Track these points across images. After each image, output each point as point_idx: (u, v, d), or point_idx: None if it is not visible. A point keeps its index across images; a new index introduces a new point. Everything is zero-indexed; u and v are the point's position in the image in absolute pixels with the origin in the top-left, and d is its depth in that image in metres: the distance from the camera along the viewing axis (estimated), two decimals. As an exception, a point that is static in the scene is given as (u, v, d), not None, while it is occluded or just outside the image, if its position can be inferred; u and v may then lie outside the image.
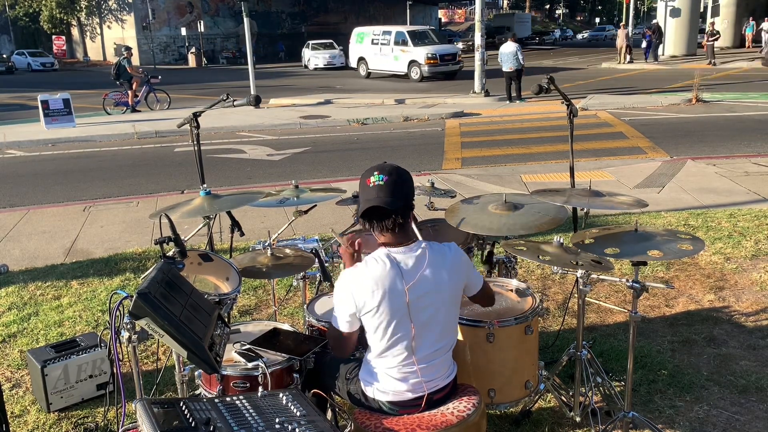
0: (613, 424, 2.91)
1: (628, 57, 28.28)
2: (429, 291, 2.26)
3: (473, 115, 14.89)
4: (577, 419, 3.09)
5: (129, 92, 16.66)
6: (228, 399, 2.09)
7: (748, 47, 34.02)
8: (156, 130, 13.45)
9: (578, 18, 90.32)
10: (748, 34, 34.73)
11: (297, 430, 1.89)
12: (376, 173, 2.26)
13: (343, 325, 2.32)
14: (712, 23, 27.29)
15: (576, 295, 2.99)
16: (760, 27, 33.52)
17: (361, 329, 2.34)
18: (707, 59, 25.47)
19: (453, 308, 2.38)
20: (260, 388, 2.41)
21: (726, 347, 3.82)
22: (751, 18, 35.35)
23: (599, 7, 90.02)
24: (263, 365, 2.46)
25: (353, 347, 2.41)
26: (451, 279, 2.33)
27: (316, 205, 3.69)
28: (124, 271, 5.40)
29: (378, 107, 16.56)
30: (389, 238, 2.28)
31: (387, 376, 2.30)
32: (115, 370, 2.35)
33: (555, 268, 2.97)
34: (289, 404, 2.09)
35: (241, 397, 2.11)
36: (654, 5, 47.27)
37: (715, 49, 25.85)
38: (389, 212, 2.23)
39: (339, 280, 2.33)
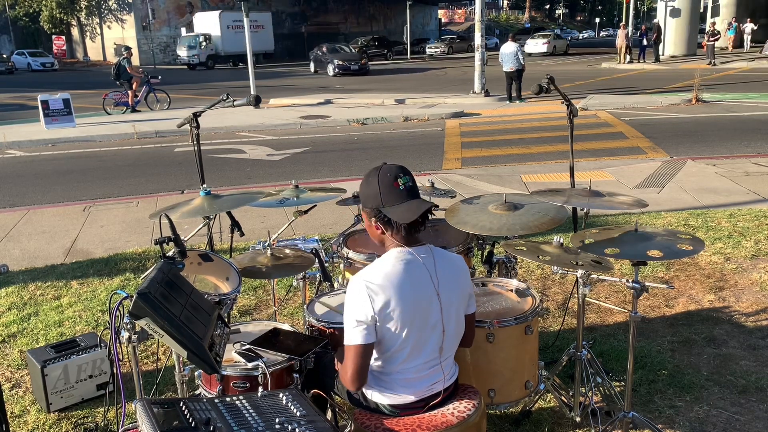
0: (613, 424, 2.91)
1: (628, 57, 28.32)
2: (447, 294, 2.24)
3: (473, 115, 14.89)
4: (577, 419, 3.09)
5: (129, 92, 16.67)
6: (228, 399, 2.09)
7: (730, 50, 33.37)
8: (156, 130, 13.45)
9: (578, 18, 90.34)
10: (730, 36, 33.85)
11: (297, 430, 1.89)
12: (401, 175, 2.19)
13: (359, 337, 2.14)
14: (713, 23, 27.30)
15: (576, 295, 2.99)
16: (743, 28, 33.13)
17: None
18: (707, 59, 25.48)
19: (462, 316, 2.36)
20: (260, 388, 2.41)
21: (726, 347, 3.82)
22: (733, 19, 34.87)
23: (599, 7, 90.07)
24: (263, 365, 2.46)
25: (367, 371, 2.20)
26: (463, 285, 2.32)
27: (316, 205, 3.69)
28: (124, 271, 5.40)
29: (378, 107, 16.56)
30: (404, 240, 2.22)
31: (392, 381, 2.28)
32: (115, 370, 2.35)
33: (555, 268, 2.96)
34: (289, 404, 2.09)
35: (241, 397, 2.10)
36: (654, 5, 47.25)
37: (715, 49, 25.87)
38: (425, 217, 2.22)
39: (352, 284, 2.17)
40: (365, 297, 2.13)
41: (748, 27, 32.84)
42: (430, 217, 2.24)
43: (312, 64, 32.18)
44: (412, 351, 2.23)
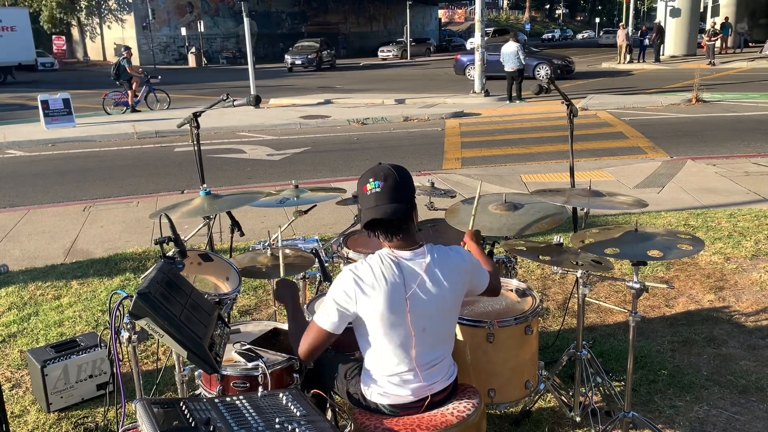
0: (613, 424, 2.91)
1: (628, 57, 28.31)
2: (430, 299, 2.22)
3: (473, 115, 14.89)
4: (577, 419, 3.09)
5: (129, 92, 16.67)
6: (228, 399, 2.09)
7: (724, 51, 32.83)
8: (156, 130, 13.45)
9: (578, 18, 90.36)
10: (723, 36, 33.10)
11: (297, 430, 1.89)
12: (371, 180, 2.19)
13: (328, 323, 2.20)
14: (713, 23, 27.27)
15: (576, 295, 2.99)
16: (735, 29, 32.51)
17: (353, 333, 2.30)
18: (708, 59, 25.48)
19: (453, 315, 2.36)
20: (260, 388, 2.41)
21: (726, 347, 3.82)
22: (726, 19, 34.26)
23: (599, 7, 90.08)
24: (263, 365, 2.46)
25: (320, 353, 2.28)
26: (453, 287, 2.29)
27: (316, 205, 3.69)
28: (124, 271, 5.40)
29: (378, 107, 16.56)
30: (396, 244, 2.23)
31: (387, 383, 2.28)
32: (115, 370, 2.35)
33: (555, 268, 2.96)
34: (289, 404, 2.09)
35: (241, 397, 2.11)
36: (654, 5, 47.26)
37: (716, 49, 25.85)
38: (392, 221, 2.18)
39: (341, 275, 2.23)
40: (351, 291, 2.17)
41: (740, 27, 32.36)
42: (396, 224, 2.20)
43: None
44: (402, 352, 2.24)
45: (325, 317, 2.21)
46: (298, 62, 33.37)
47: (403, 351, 2.24)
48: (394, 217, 2.17)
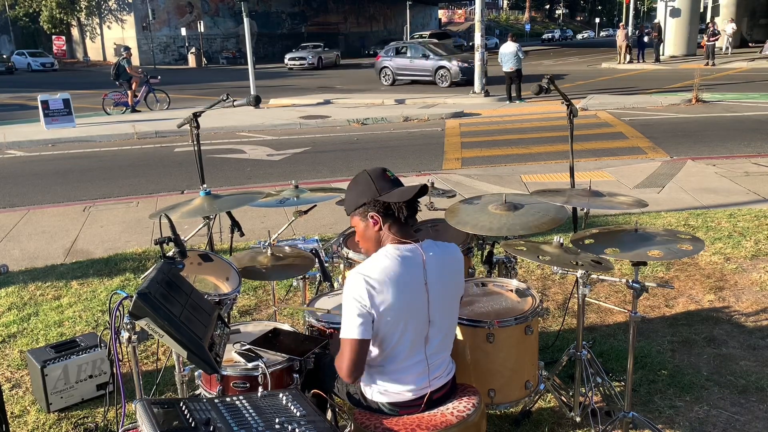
0: (613, 424, 2.91)
1: (628, 57, 28.30)
2: (438, 289, 2.25)
3: (473, 115, 14.89)
4: (577, 419, 3.09)
5: (128, 92, 16.67)
6: (228, 399, 2.09)
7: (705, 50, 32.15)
8: (156, 130, 13.45)
9: (578, 18, 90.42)
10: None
11: (297, 430, 1.89)
12: (388, 170, 2.33)
13: (354, 332, 2.15)
14: (712, 24, 27.22)
15: (576, 295, 2.99)
16: (723, 29, 32.06)
17: None
18: (705, 59, 25.42)
19: (456, 307, 2.39)
20: (260, 389, 2.41)
21: (726, 347, 3.82)
22: (712, 18, 33.45)
23: (599, 7, 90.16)
24: (263, 365, 2.46)
25: (363, 365, 2.23)
26: (455, 279, 2.34)
27: (316, 205, 3.68)
28: (124, 271, 5.40)
29: (378, 107, 16.56)
30: (403, 233, 2.25)
31: (389, 378, 2.28)
32: (115, 370, 2.35)
33: (555, 268, 2.96)
34: (289, 404, 2.09)
35: (241, 397, 2.10)
36: (654, 5, 47.23)
37: (716, 49, 25.79)
38: (415, 201, 2.27)
39: (350, 280, 2.20)
40: (363, 292, 2.14)
41: (729, 27, 31.97)
42: (419, 209, 2.32)
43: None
44: (411, 346, 2.24)
45: (350, 328, 2.17)
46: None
47: (416, 341, 2.24)
48: (423, 194, 2.26)
